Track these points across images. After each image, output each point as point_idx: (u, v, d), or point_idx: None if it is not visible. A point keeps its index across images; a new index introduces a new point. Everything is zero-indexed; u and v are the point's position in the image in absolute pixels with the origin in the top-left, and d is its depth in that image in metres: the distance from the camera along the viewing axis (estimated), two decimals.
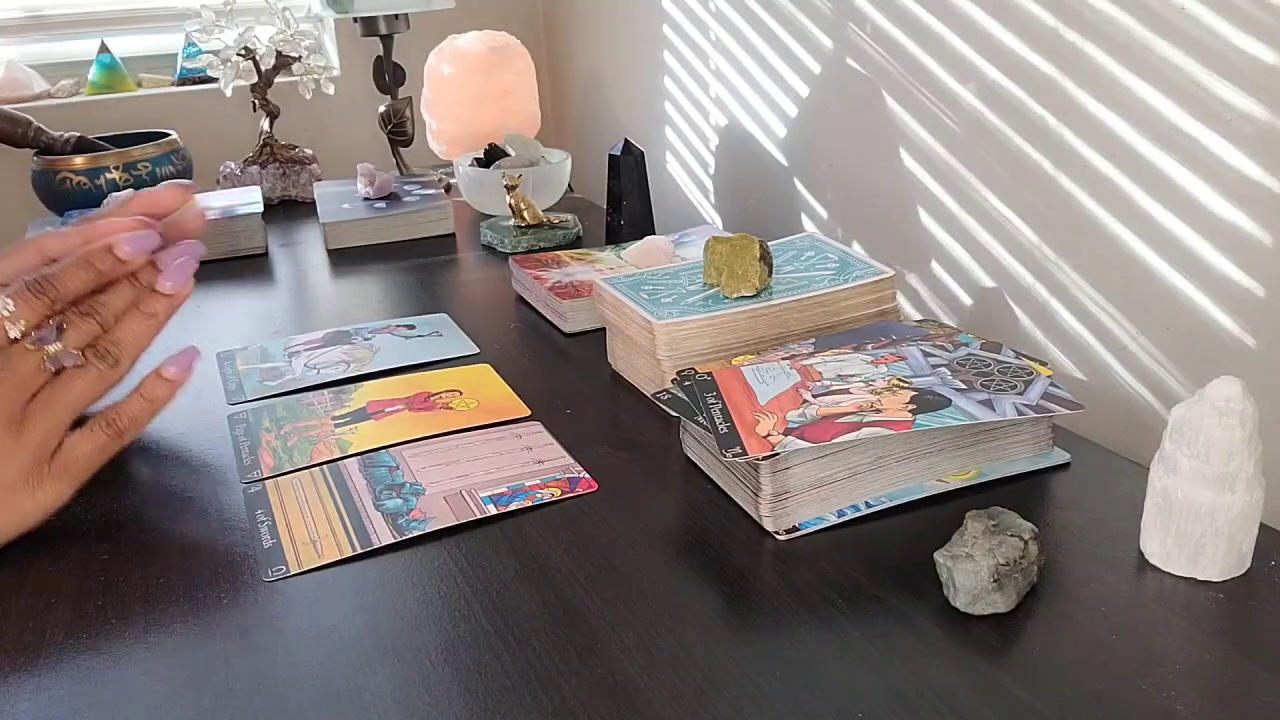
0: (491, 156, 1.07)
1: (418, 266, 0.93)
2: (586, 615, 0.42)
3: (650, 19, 1.24)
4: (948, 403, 0.48)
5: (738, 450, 0.45)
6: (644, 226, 0.92)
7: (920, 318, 0.88)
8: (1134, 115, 0.65)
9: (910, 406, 0.47)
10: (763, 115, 1.05)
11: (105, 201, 0.96)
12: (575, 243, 0.97)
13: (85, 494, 0.54)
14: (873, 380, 0.50)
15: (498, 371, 0.66)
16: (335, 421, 0.60)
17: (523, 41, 1.24)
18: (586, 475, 0.53)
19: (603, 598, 0.43)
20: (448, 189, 1.14)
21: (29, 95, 1.35)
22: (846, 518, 0.47)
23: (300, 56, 1.16)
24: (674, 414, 0.51)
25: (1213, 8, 0.59)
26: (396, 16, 1.19)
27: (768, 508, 0.46)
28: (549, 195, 1.04)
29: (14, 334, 0.48)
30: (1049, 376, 0.51)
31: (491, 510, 0.50)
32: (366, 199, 1.05)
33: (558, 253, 0.86)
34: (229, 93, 1.15)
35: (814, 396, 0.49)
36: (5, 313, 0.47)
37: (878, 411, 0.47)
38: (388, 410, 0.61)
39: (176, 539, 0.49)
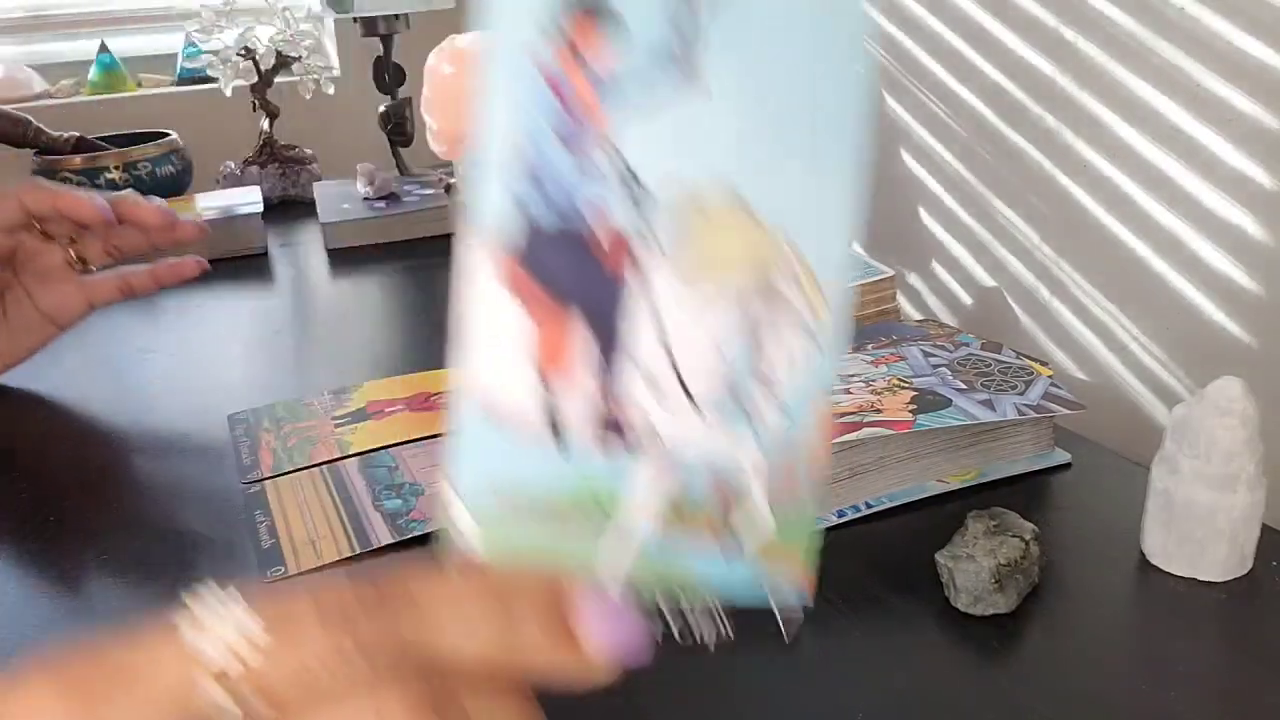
0: None
1: (418, 267, 0.93)
2: None
3: None
4: (948, 403, 0.48)
5: None
6: None
7: (921, 317, 0.88)
8: (1135, 115, 0.65)
9: (911, 406, 0.47)
10: None
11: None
12: None
13: (83, 496, 0.54)
14: (873, 380, 0.50)
15: None
16: (335, 422, 0.60)
17: None
18: None
19: None
20: (448, 189, 1.14)
21: (29, 95, 1.35)
22: (847, 518, 0.47)
23: (300, 56, 1.16)
24: None
25: (1212, 8, 0.59)
26: (397, 16, 1.19)
27: None
28: None
29: None
30: (1050, 376, 0.51)
31: None
32: (366, 199, 1.04)
33: None
34: (229, 93, 1.15)
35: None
36: None
37: (878, 412, 0.47)
38: (388, 410, 0.61)
39: (175, 539, 0.49)
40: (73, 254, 0.63)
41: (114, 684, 0.17)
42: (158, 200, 0.64)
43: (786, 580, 0.22)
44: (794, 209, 0.20)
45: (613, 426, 0.20)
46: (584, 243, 0.19)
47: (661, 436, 0.20)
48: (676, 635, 0.22)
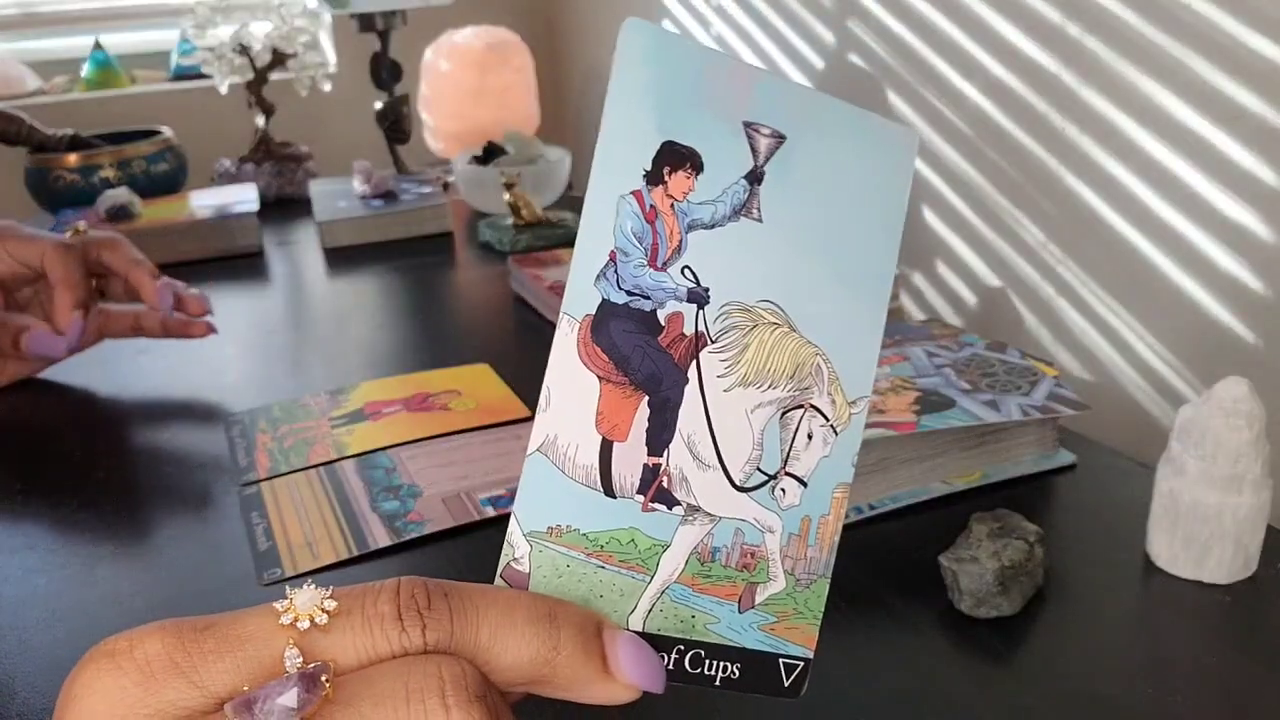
0: (489, 154, 1.06)
1: (415, 265, 0.92)
2: None
3: (650, 14, 1.23)
4: (952, 404, 0.47)
5: None
6: None
7: (925, 317, 0.88)
8: (1141, 113, 0.65)
9: (914, 407, 0.47)
10: None
11: (99, 200, 0.96)
12: (574, 241, 0.96)
13: (77, 497, 0.53)
14: (876, 380, 0.50)
15: (496, 371, 0.66)
16: (332, 422, 0.60)
17: (521, 37, 1.23)
18: None
19: None
20: (446, 187, 1.14)
21: (22, 92, 1.35)
22: (850, 520, 0.47)
23: (296, 53, 1.15)
24: None
25: (1220, 5, 0.58)
26: (393, 12, 1.18)
27: None
28: (548, 193, 1.04)
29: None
30: (1055, 377, 0.50)
31: (490, 512, 0.49)
32: (363, 197, 1.04)
33: (556, 251, 0.85)
34: (224, 90, 1.15)
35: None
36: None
37: (881, 412, 0.46)
38: (385, 411, 0.61)
39: (172, 542, 0.49)
40: (93, 283, 0.66)
41: (212, 640, 0.20)
42: (165, 279, 0.67)
43: (793, 636, 0.25)
44: (832, 330, 0.25)
45: (657, 488, 0.24)
46: (656, 335, 0.24)
47: (697, 498, 0.24)
48: (687, 668, 0.24)
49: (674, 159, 0.23)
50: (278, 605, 0.20)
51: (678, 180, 0.23)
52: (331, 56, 1.48)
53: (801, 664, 0.25)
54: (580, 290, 0.23)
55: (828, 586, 0.25)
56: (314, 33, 1.40)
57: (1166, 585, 0.42)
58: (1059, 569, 0.43)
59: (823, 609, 0.25)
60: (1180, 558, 0.42)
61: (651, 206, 0.23)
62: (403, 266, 0.92)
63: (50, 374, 0.69)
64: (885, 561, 0.44)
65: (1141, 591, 0.42)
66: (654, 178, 0.23)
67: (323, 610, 0.20)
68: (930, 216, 0.85)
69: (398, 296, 0.85)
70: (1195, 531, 0.41)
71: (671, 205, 0.23)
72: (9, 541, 0.49)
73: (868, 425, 0.45)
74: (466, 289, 0.86)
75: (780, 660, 0.25)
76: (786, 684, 0.25)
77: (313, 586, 0.21)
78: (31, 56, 1.40)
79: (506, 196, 0.95)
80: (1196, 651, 0.38)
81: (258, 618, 0.20)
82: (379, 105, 1.23)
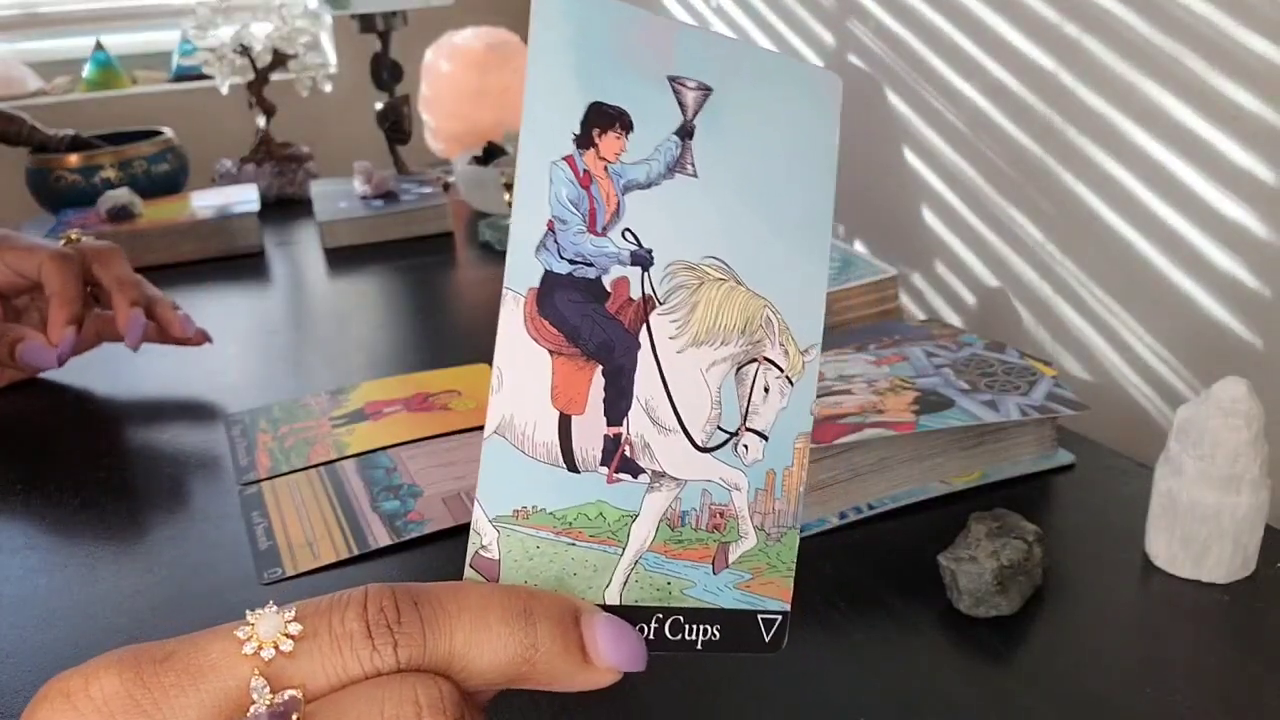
0: (490, 154, 1.06)
1: (415, 265, 0.92)
2: None
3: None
4: (951, 403, 0.47)
5: None
6: None
7: (924, 317, 0.88)
8: (1139, 113, 0.65)
9: (913, 407, 0.47)
10: None
11: (100, 201, 0.96)
12: None
13: (77, 497, 0.53)
14: (875, 381, 0.50)
15: None
16: (333, 422, 0.60)
17: (521, 38, 1.23)
18: None
19: None
20: (446, 187, 1.14)
21: (23, 93, 1.35)
22: (849, 520, 0.47)
23: (297, 54, 1.15)
24: None
25: (1217, 4, 0.58)
26: (394, 13, 1.18)
27: None
28: None
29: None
30: (1053, 377, 0.51)
31: None
32: (364, 197, 1.04)
33: None
34: (225, 90, 1.15)
35: (816, 397, 0.48)
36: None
37: (880, 412, 0.47)
38: (385, 411, 0.61)
39: (172, 541, 0.49)
40: (89, 289, 0.66)
41: (173, 674, 0.19)
42: (143, 304, 0.65)
43: (769, 591, 0.25)
44: (777, 281, 0.25)
45: (620, 458, 0.24)
46: (602, 302, 0.23)
47: (661, 464, 0.24)
48: (668, 635, 0.24)
49: (602, 120, 0.23)
50: (239, 632, 0.19)
51: (608, 141, 0.23)
52: (332, 57, 1.48)
53: (779, 618, 0.25)
54: (521, 263, 0.22)
55: (798, 537, 0.25)
56: (315, 33, 1.40)
57: (1165, 585, 0.42)
58: (1058, 568, 0.43)
59: (795, 560, 0.25)
60: (1179, 557, 0.42)
61: (585, 171, 0.23)
62: (403, 266, 0.92)
63: (50, 374, 0.69)
64: (884, 561, 0.44)
65: (1140, 591, 0.42)
66: (584, 141, 0.23)
67: (287, 636, 0.19)
68: (929, 216, 0.85)
69: (398, 296, 0.85)
70: (1194, 531, 0.41)
71: (605, 168, 0.23)
72: (10, 541, 0.49)
73: (867, 425, 0.45)
74: (466, 289, 0.86)
75: (759, 616, 0.25)
76: (767, 639, 0.25)
77: (274, 609, 0.19)
78: (33, 57, 1.40)
79: (506, 197, 0.95)
80: (1195, 651, 0.38)
81: (220, 643, 0.19)
82: (379, 106, 1.23)
